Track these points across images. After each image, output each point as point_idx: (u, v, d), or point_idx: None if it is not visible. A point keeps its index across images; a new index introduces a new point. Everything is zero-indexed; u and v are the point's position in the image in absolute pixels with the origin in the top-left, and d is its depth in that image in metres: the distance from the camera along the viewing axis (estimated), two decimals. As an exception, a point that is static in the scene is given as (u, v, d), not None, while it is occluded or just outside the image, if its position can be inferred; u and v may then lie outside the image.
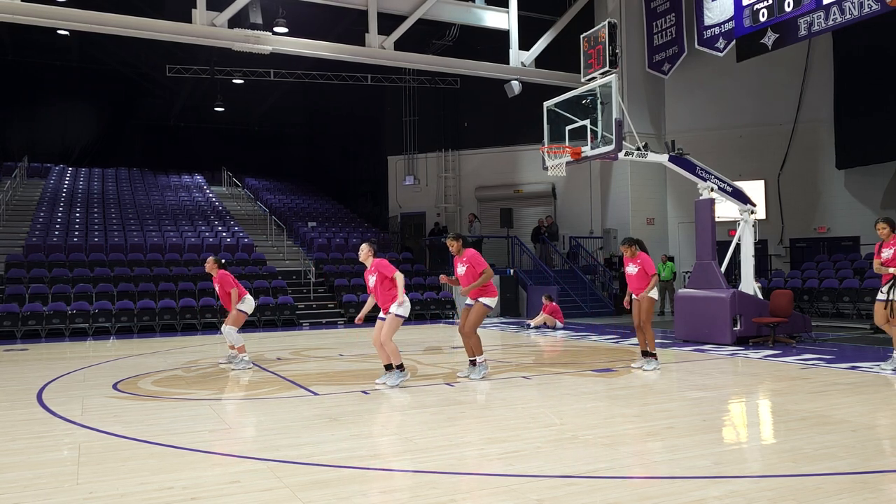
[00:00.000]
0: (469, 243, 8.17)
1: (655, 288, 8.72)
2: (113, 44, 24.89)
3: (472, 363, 8.16)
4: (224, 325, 9.55)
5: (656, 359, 8.77)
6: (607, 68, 11.51)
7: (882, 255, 8.24)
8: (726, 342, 11.15)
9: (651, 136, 19.00)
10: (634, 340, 12.32)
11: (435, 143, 25.22)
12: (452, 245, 8.01)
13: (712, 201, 11.95)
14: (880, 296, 8.31)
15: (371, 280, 7.50)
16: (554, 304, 15.75)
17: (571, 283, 19.83)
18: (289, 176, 32.79)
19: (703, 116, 19.93)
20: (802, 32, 13.86)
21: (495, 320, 18.20)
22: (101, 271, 17.47)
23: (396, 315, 7.39)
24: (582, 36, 12.33)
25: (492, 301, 8.01)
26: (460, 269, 8.04)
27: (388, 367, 7.62)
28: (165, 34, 15.44)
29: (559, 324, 15.32)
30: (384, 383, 7.57)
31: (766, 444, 5.16)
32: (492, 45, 20.29)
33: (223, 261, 9.86)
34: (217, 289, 9.67)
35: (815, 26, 13.52)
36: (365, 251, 7.61)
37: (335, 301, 18.83)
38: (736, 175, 15.17)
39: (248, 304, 9.68)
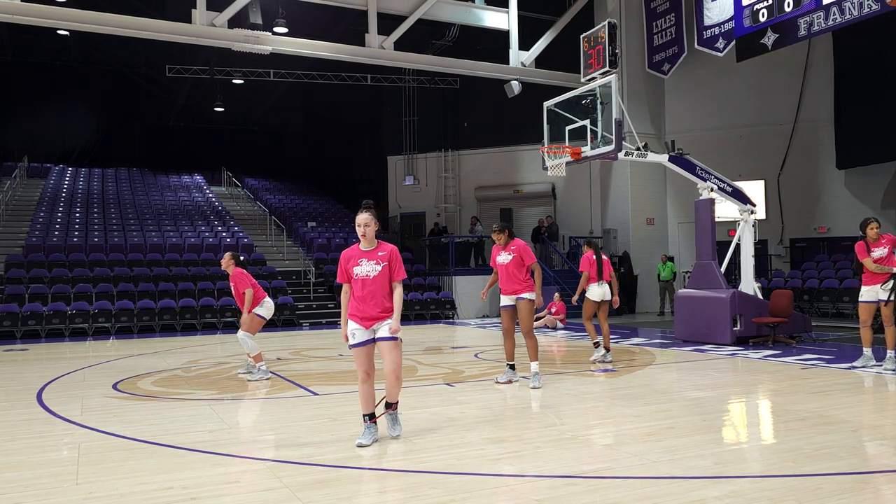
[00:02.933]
0: (514, 234, 7.88)
1: (589, 288, 9.54)
2: (113, 44, 24.91)
3: (512, 367, 7.81)
4: (239, 331, 8.54)
5: (596, 348, 9.57)
6: (607, 68, 11.52)
7: (873, 254, 8.24)
8: (726, 342, 11.15)
9: (651, 136, 18.99)
10: (635, 340, 12.36)
11: (435, 144, 25.21)
12: (500, 238, 7.58)
13: (712, 201, 11.95)
14: (870, 297, 8.31)
15: (374, 270, 5.15)
16: (562, 302, 15.77)
17: (571, 283, 19.79)
18: (288, 176, 32.79)
19: (703, 116, 19.93)
20: (802, 32, 13.85)
21: (496, 320, 18.20)
22: (100, 271, 17.47)
23: (400, 339, 5.26)
24: (582, 36, 12.34)
25: (532, 294, 7.45)
26: (503, 258, 7.51)
27: (390, 406, 5.35)
28: (165, 34, 15.44)
29: (560, 324, 15.32)
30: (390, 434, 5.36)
31: (765, 445, 5.16)
32: (492, 45, 20.29)
33: (241, 258, 8.87)
34: (232, 288, 8.71)
35: (815, 26, 13.52)
36: (371, 225, 5.22)
37: (335, 301, 18.82)
38: (736, 175, 15.18)
39: (268, 307, 8.71)
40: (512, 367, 7.84)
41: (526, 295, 7.43)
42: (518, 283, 7.48)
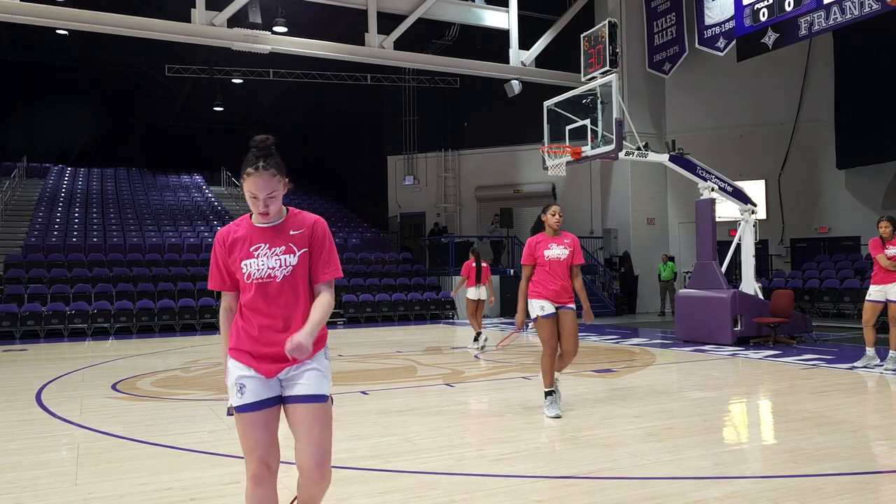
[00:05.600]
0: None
1: (469, 290, 11.38)
2: (112, 44, 24.90)
3: (552, 392, 6.09)
4: None
5: (476, 340, 11.40)
6: (607, 68, 11.50)
7: (888, 251, 8.12)
8: (727, 342, 11.13)
9: (651, 135, 18.98)
10: (635, 340, 12.35)
11: (435, 143, 25.20)
12: (555, 219, 6.09)
13: (713, 201, 11.94)
14: (878, 296, 8.24)
15: (285, 264, 2.73)
16: None
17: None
18: (288, 176, 32.65)
19: (704, 116, 19.92)
20: (803, 32, 13.84)
21: (495, 320, 18.18)
22: (99, 271, 17.44)
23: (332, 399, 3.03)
24: (582, 35, 12.33)
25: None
26: (557, 252, 5.94)
27: None
28: (165, 34, 15.42)
29: None
30: None
31: (766, 445, 5.14)
32: (492, 44, 20.28)
33: None
34: None
35: (816, 26, 13.51)
36: (280, 191, 2.88)
37: (334, 301, 18.78)
38: (736, 175, 15.16)
39: None
40: (551, 393, 6.08)
41: (572, 305, 6.03)
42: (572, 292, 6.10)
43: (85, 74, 29.68)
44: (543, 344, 5.97)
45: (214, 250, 2.81)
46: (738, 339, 11.18)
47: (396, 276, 20.17)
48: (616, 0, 20.16)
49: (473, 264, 11.41)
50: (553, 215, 6.10)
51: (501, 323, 17.44)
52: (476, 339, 11.40)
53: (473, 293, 11.50)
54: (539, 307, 5.93)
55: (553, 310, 5.91)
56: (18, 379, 9.02)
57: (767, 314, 11.33)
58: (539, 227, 6.28)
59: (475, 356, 10.62)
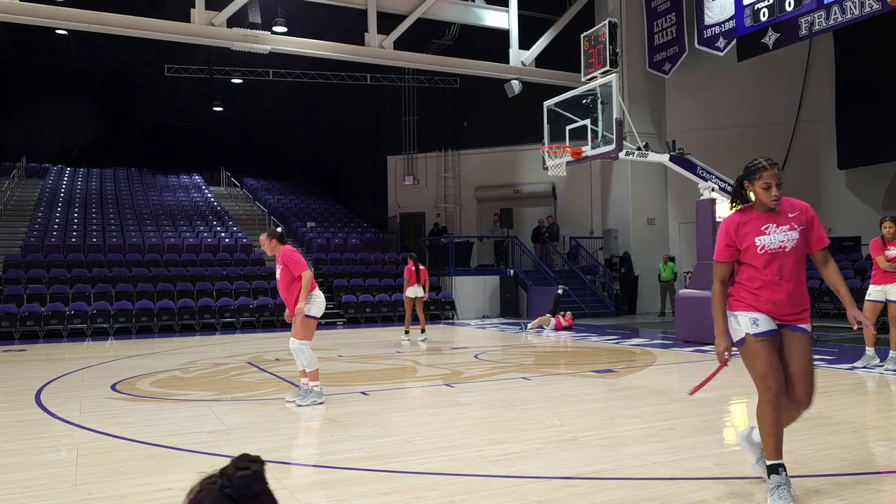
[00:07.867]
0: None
1: (408, 290, 12.84)
2: (111, 44, 24.91)
3: (778, 469, 3.75)
4: (292, 340, 6.74)
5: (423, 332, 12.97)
6: (608, 68, 11.51)
7: (888, 252, 8.11)
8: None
9: (652, 135, 18.97)
10: (635, 341, 12.33)
11: (435, 143, 25.19)
12: (771, 196, 3.96)
13: (713, 201, 11.94)
14: (878, 297, 8.23)
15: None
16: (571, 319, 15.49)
17: (572, 283, 19.79)
18: (287, 176, 32.77)
19: (704, 116, 19.91)
20: (803, 32, 13.83)
21: (496, 321, 18.18)
22: (99, 272, 17.43)
23: None
24: (582, 35, 12.33)
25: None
26: (780, 238, 3.88)
27: None
28: (164, 34, 15.41)
29: (552, 325, 15.08)
30: None
31: (767, 445, 5.12)
32: (492, 44, 20.26)
33: (280, 230, 6.87)
34: (278, 273, 6.65)
35: (816, 26, 13.50)
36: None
37: (334, 302, 18.78)
38: (737, 175, 15.13)
39: (318, 304, 6.73)
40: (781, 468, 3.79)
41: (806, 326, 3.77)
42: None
43: (84, 74, 29.66)
44: (758, 382, 3.78)
45: None
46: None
47: (396, 277, 20.15)
48: (616, 0, 20.15)
49: (413, 267, 12.74)
50: (767, 189, 3.88)
51: (502, 324, 17.44)
52: (407, 333, 13.13)
53: (412, 292, 12.87)
54: (750, 321, 3.81)
55: (773, 326, 3.76)
56: (18, 379, 9.01)
57: (767, 314, 11.29)
58: (741, 197, 4.06)
59: (403, 342, 12.67)
